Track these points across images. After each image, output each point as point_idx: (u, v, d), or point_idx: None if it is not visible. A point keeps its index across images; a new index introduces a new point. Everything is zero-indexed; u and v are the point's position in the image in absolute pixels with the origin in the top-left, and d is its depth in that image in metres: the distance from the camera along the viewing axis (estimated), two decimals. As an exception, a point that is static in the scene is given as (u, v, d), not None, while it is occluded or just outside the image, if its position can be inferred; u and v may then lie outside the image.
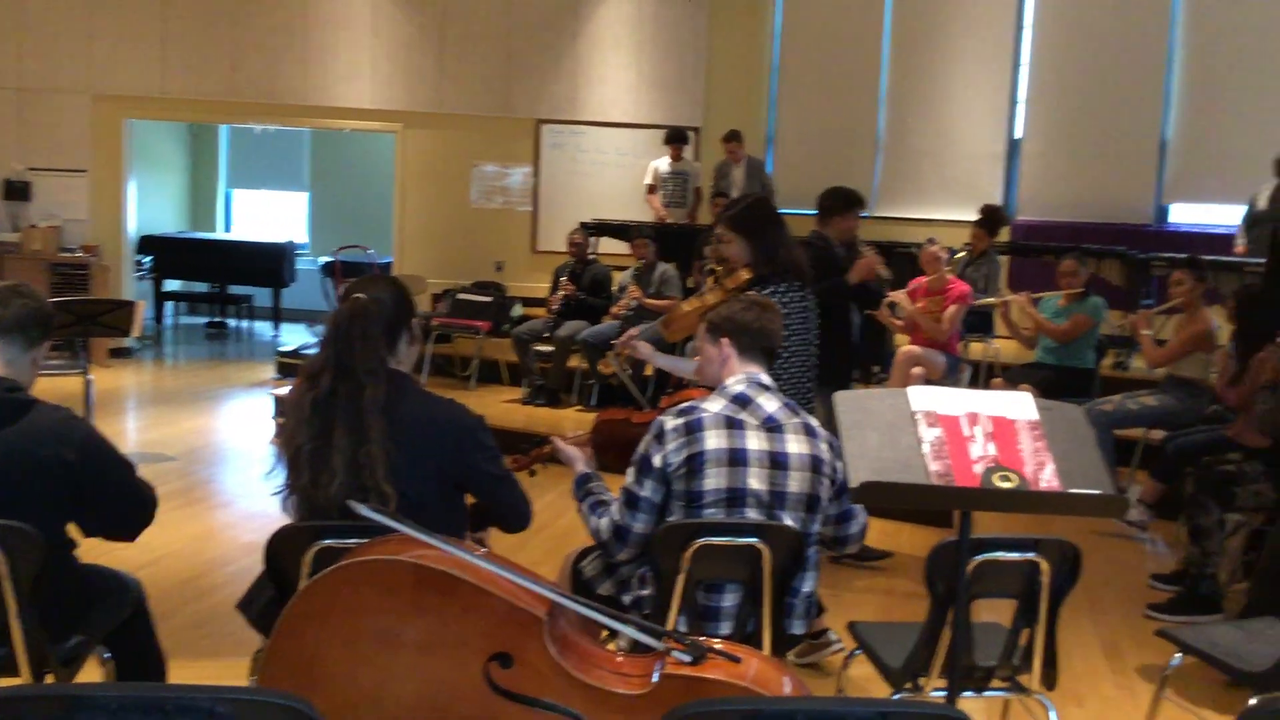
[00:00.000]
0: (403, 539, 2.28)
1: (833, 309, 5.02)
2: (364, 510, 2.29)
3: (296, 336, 11.88)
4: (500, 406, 8.57)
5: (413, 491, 2.75)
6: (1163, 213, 10.58)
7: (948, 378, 7.03)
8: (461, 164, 11.69)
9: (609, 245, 10.03)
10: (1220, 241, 9.43)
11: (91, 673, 3.13)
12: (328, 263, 12.18)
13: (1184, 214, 10.58)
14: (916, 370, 6.89)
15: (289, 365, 9.74)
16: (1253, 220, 8.50)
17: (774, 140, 11.78)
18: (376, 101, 11.54)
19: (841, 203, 5.48)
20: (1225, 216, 9.85)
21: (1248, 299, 5.77)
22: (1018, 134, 11.01)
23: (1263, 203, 8.44)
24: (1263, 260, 7.91)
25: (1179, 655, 3.36)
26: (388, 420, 2.75)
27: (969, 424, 2.63)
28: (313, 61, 11.49)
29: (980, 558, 2.78)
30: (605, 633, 2.87)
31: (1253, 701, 3.00)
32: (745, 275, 4.34)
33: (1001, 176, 11.03)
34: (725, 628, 3.02)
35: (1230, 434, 5.49)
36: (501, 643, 2.17)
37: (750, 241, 4.35)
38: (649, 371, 8.06)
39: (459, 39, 11.48)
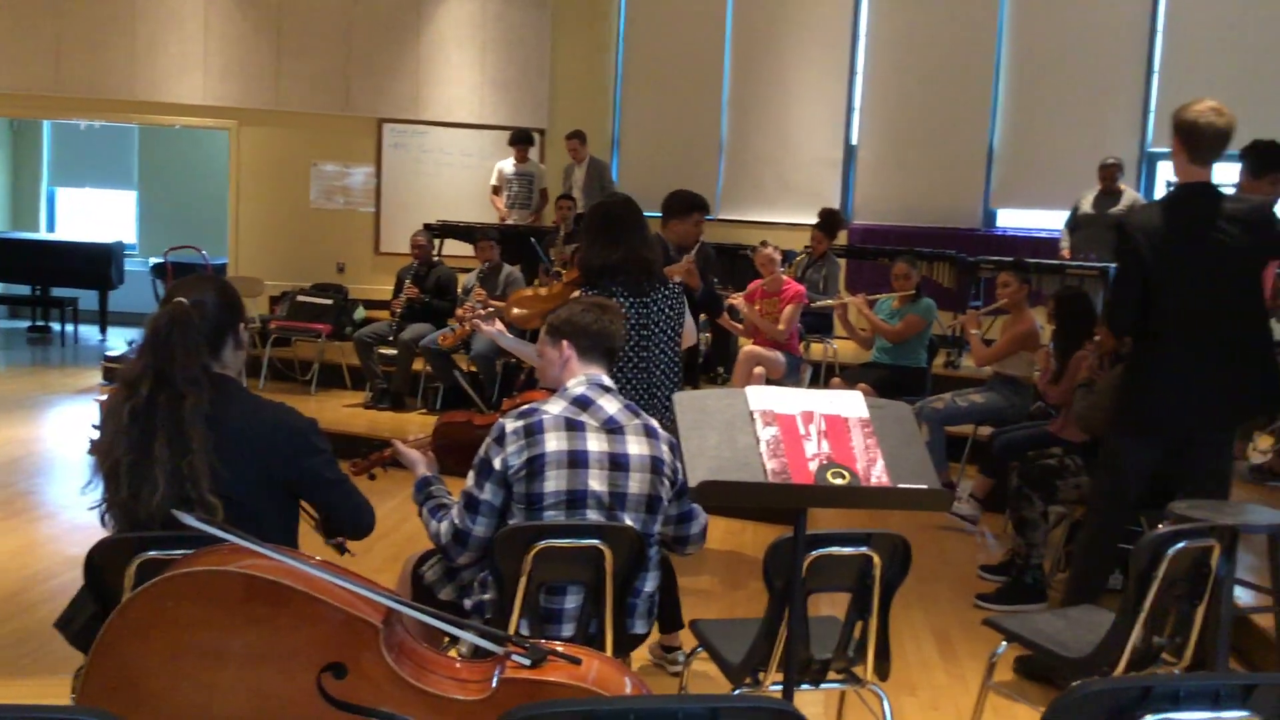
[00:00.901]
0: (231, 549, 2.21)
1: None
2: (189, 520, 2.21)
3: (124, 341, 11.42)
4: (342, 411, 8.40)
5: (242, 500, 2.66)
6: (990, 217, 11.03)
7: (789, 377, 7.17)
8: (300, 163, 11.42)
9: (454, 247, 9.93)
10: (1045, 245, 9.89)
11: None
12: (158, 264, 11.76)
13: (1010, 219, 11.05)
14: (758, 370, 7.01)
15: (116, 371, 9.35)
16: (1076, 224, 8.92)
17: (619, 143, 11.84)
18: (209, 98, 11.19)
19: (680, 206, 5.52)
20: (1049, 221, 10.31)
21: (1068, 299, 6.03)
22: (854, 140, 11.33)
23: (1087, 206, 8.86)
24: (1085, 263, 8.32)
25: (1004, 643, 3.49)
26: (213, 428, 2.65)
27: (804, 422, 2.69)
28: (141, 55, 11.07)
29: (815, 553, 2.84)
30: (446, 639, 2.84)
31: (1075, 685, 3.14)
32: (573, 275, 4.41)
33: (839, 181, 11.33)
34: (567, 630, 3.02)
35: (1052, 430, 5.73)
36: (335, 653, 2.12)
37: (581, 243, 4.42)
38: (505, 358, 8.00)
39: (297, 35, 11.21)
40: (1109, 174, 8.75)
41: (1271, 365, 4.18)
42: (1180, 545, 3.07)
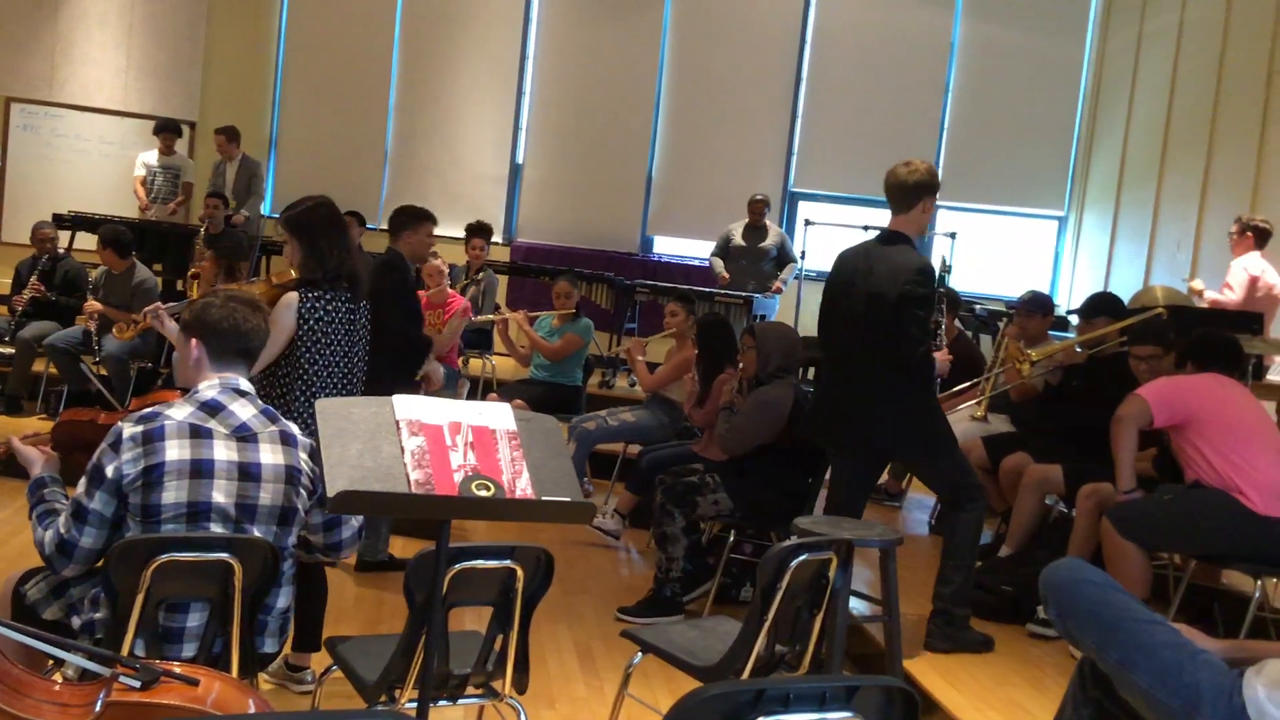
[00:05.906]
0: None
1: None
2: None
3: None
4: (-54, 413, 7.60)
5: None
6: (647, 243, 11.43)
7: (445, 390, 7.09)
8: (-92, 138, 10.29)
9: (87, 241, 9.21)
10: (697, 272, 10.37)
11: None
12: None
13: (666, 245, 11.50)
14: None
15: None
16: (726, 253, 9.38)
17: (276, 142, 11.41)
18: None
19: (410, 218, 5.34)
20: (700, 250, 10.81)
21: (709, 326, 6.30)
22: (519, 159, 11.45)
23: (738, 238, 9.35)
24: (739, 293, 8.76)
25: (640, 653, 3.58)
26: None
27: (451, 433, 2.66)
28: None
29: (458, 566, 2.81)
30: (51, 662, 2.61)
31: (692, 690, 3.25)
32: (292, 275, 4.22)
33: (504, 198, 11.40)
34: (189, 649, 2.82)
35: (696, 449, 5.98)
36: (-92, 678, 1.89)
37: (303, 243, 4.24)
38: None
39: (-89, -4, 10.11)
40: (758, 209, 9.29)
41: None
42: (802, 557, 3.26)
